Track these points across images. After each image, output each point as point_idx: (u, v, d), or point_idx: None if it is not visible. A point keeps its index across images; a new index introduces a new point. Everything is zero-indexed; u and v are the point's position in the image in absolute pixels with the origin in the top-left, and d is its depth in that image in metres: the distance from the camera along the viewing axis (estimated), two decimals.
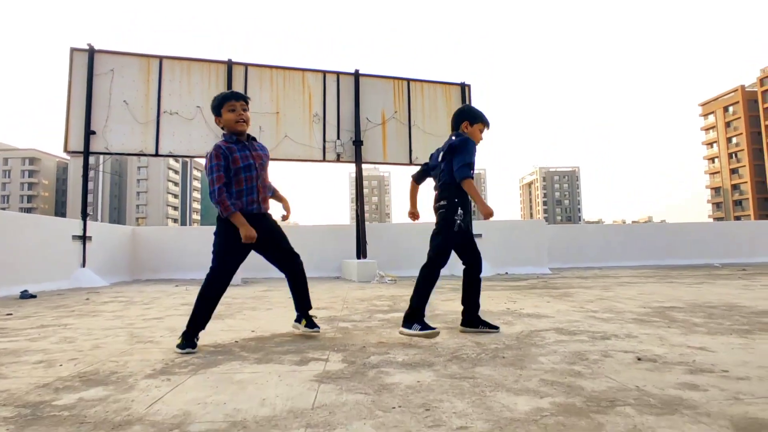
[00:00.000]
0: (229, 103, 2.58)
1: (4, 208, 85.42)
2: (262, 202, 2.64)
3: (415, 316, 2.55)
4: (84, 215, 7.68)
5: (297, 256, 2.82)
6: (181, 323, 3.25)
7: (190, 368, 2.01)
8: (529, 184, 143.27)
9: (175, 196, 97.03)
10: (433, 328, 2.52)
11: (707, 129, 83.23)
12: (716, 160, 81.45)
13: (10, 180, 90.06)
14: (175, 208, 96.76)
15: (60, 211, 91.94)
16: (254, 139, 2.74)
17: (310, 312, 2.81)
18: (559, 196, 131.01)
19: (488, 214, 2.58)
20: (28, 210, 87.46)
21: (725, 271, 8.45)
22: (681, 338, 2.46)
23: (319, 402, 1.52)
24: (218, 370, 1.98)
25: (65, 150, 7.86)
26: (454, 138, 2.82)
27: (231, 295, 5.38)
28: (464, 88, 9.89)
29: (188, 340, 2.38)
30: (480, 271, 2.89)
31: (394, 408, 1.45)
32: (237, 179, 2.57)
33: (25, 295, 5.39)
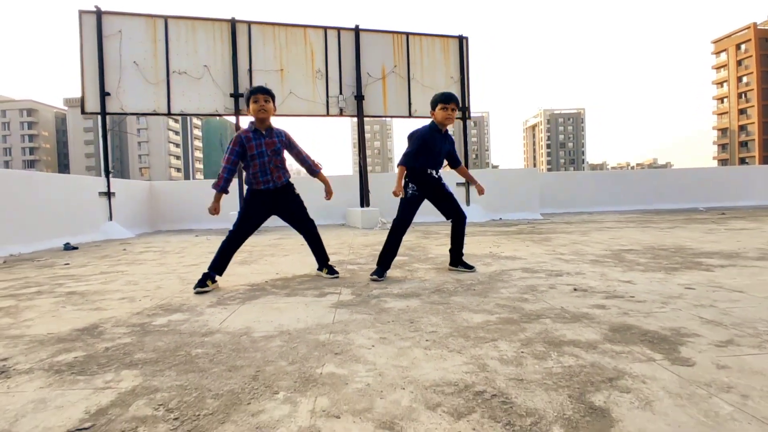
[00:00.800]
0: (254, 96, 3.15)
1: (7, 162, 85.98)
2: (276, 180, 3.26)
3: (377, 264, 3.38)
4: (107, 173, 8.28)
5: (311, 222, 3.49)
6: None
7: (237, 300, 2.69)
8: (533, 127, 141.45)
9: (177, 145, 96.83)
10: (378, 278, 3.24)
11: (718, 68, 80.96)
12: (725, 100, 79.88)
13: (10, 132, 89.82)
14: (178, 158, 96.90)
15: (63, 162, 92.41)
16: (272, 128, 3.25)
17: (330, 263, 3.51)
18: (563, 138, 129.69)
19: (394, 192, 3.31)
20: (31, 162, 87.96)
21: (705, 216, 9.08)
22: (618, 274, 3.12)
23: (337, 319, 2.20)
24: (259, 301, 2.66)
25: (83, 112, 8.32)
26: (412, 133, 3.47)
27: (251, 244, 6.07)
28: (462, 41, 10.09)
29: (202, 282, 3.01)
30: (460, 222, 3.51)
31: (389, 322, 2.12)
32: (252, 163, 3.20)
33: (69, 247, 6.11)
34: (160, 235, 8.64)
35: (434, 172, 3.44)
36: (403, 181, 3.36)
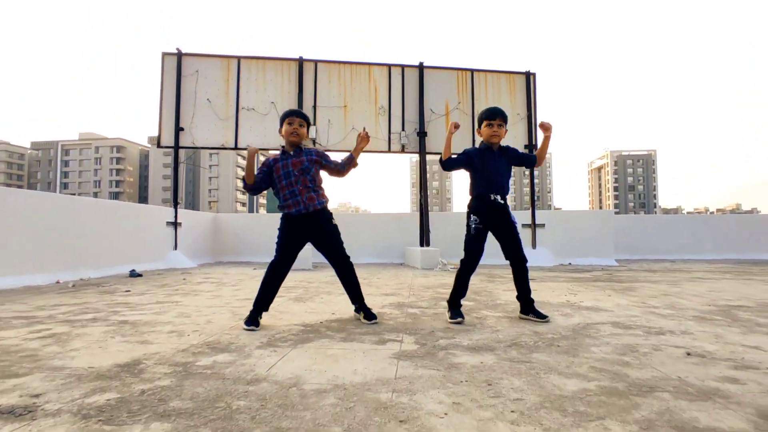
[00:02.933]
0: (289, 118, 3.06)
1: (96, 193, 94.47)
2: (307, 201, 3.00)
3: (450, 305, 3.18)
4: (175, 204, 8.60)
5: (346, 258, 3.17)
6: (271, 304, 3.76)
7: (289, 343, 2.45)
8: (599, 169, 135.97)
9: None
10: (457, 319, 3.01)
11: None
12: None
13: (101, 167, 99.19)
14: (244, 193, 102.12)
15: (143, 195, 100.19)
16: (301, 148, 3.09)
17: (366, 303, 3.19)
18: (632, 181, 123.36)
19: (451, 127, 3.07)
20: (116, 194, 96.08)
21: None
22: (738, 337, 2.57)
23: (400, 374, 1.88)
24: (312, 345, 2.40)
25: (159, 145, 8.79)
26: None
27: (306, 280, 5.91)
28: (529, 77, 9.80)
29: (252, 319, 2.86)
30: (518, 265, 3.13)
31: (461, 382, 1.78)
32: (280, 185, 3.02)
33: (134, 274, 6.25)
34: (220, 266, 8.76)
35: (498, 198, 3.11)
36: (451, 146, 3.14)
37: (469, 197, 3.22)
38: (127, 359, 2.10)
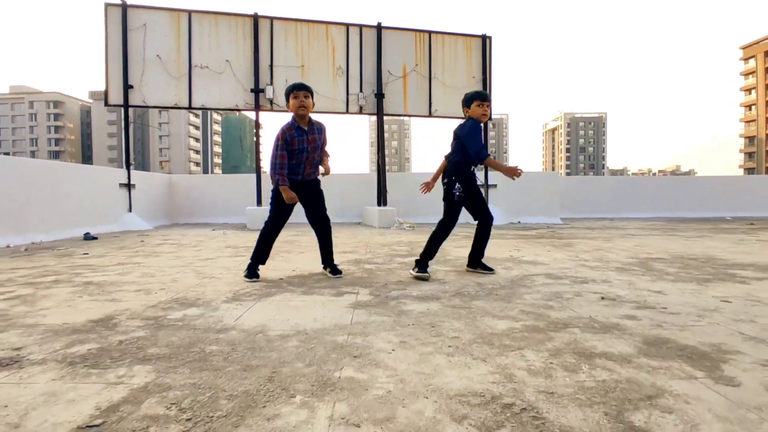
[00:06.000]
0: (294, 92, 3.20)
1: (33, 152, 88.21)
2: (305, 175, 3.32)
3: (419, 263, 3.30)
4: (128, 165, 8.36)
5: (327, 219, 3.47)
6: (232, 263, 3.93)
7: (253, 297, 2.65)
8: (553, 130, 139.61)
9: (197, 140, 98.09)
10: (424, 274, 3.22)
11: (747, 74, 78.83)
12: (753, 107, 77.74)
13: (37, 123, 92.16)
14: (197, 152, 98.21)
15: (86, 154, 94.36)
16: (312, 123, 3.29)
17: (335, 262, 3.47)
18: (583, 143, 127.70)
19: (512, 172, 3.21)
20: (56, 153, 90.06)
21: (733, 225, 8.78)
22: (647, 284, 2.99)
23: (355, 320, 2.13)
24: (275, 299, 2.61)
25: (106, 104, 8.41)
26: (463, 124, 3.37)
27: None
28: (485, 40, 9.94)
29: (251, 271, 3.21)
30: (488, 222, 3.44)
31: (409, 325, 2.05)
32: (290, 156, 3.23)
33: (89, 237, 6.17)
34: (177, 228, 8.70)
35: (475, 169, 3.44)
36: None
37: (454, 163, 3.34)
38: (99, 315, 2.24)
